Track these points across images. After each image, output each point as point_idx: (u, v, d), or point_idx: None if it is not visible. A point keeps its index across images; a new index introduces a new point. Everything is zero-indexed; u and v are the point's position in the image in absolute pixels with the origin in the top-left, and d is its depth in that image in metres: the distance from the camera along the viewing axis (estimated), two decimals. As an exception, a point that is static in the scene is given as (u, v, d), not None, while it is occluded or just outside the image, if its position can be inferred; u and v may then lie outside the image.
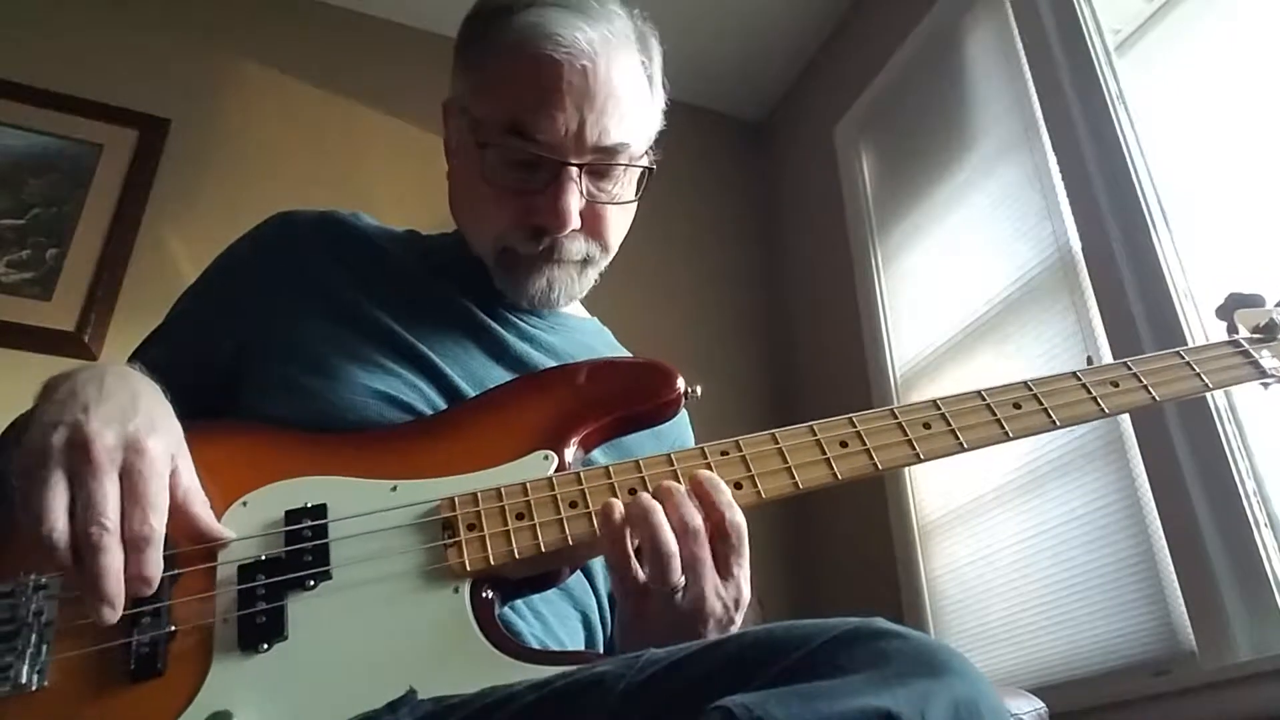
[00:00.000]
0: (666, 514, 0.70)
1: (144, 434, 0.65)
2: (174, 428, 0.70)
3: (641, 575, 0.70)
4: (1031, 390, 0.82)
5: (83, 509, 0.60)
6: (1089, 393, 0.83)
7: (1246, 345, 0.91)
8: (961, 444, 0.78)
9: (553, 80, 0.85)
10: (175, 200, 2.30)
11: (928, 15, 2.34)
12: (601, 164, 0.89)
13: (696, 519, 0.70)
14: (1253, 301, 0.96)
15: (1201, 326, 1.54)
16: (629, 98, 0.89)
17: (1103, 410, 0.82)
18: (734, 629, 0.71)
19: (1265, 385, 0.92)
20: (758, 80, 3.03)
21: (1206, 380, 0.86)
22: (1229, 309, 0.96)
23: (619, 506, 0.71)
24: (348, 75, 2.64)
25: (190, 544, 0.68)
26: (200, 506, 0.69)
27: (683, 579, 0.69)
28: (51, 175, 2.21)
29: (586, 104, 0.86)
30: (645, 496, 0.71)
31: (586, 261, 0.94)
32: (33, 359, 2.01)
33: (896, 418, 0.79)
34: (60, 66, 2.30)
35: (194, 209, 2.30)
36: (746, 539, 0.72)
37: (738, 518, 0.72)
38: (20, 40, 2.29)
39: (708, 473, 0.74)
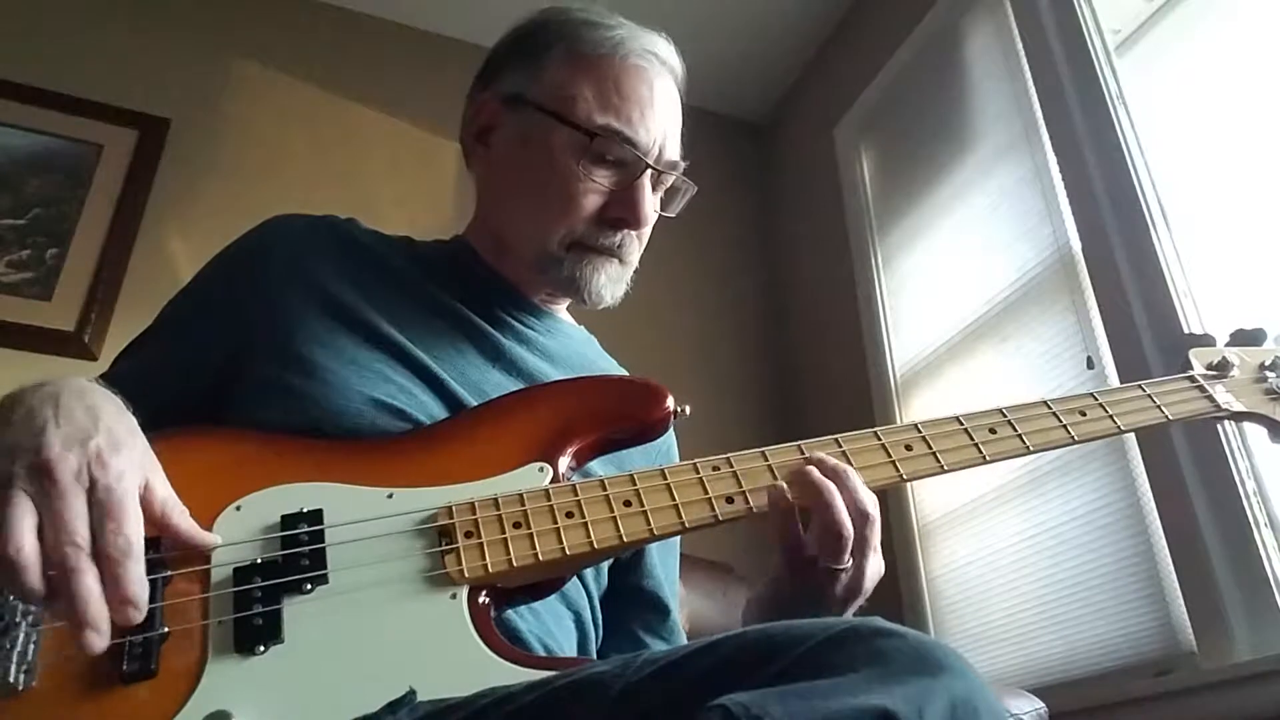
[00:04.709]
0: (842, 496, 0.75)
1: (107, 452, 0.62)
2: (138, 443, 0.67)
3: (811, 549, 0.76)
4: (1006, 417, 0.87)
5: (53, 530, 0.58)
6: (1059, 420, 0.88)
7: (1202, 380, 0.97)
8: (941, 466, 0.83)
9: (651, 90, 0.94)
10: (175, 200, 2.30)
11: (928, 15, 2.34)
12: (667, 174, 0.97)
13: (873, 506, 0.76)
14: (1204, 341, 1.04)
15: (1201, 327, 1.54)
16: (681, 120, 1.00)
17: (1072, 438, 0.87)
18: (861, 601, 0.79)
19: (1218, 419, 0.98)
20: (758, 81, 3.02)
21: (1166, 413, 0.92)
22: (1183, 349, 1.03)
23: (785, 488, 0.76)
24: (348, 75, 2.64)
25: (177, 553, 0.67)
26: (180, 517, 0.67)
27: (850, 559, 0.76)
28: (51, 175, 2.21)
29: (670, 119, 0.97)
30: (817, 475, 0.76)
31: (629, 265, 0.98)
32: (33, 359, 2.01)
33: (880, 439, 0.83)
34: (60, 66, 2.30)
35: (194, 209, 2.31)
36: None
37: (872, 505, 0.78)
38: (20, 40, 2.29)
39: (847, 465, 0.79)
